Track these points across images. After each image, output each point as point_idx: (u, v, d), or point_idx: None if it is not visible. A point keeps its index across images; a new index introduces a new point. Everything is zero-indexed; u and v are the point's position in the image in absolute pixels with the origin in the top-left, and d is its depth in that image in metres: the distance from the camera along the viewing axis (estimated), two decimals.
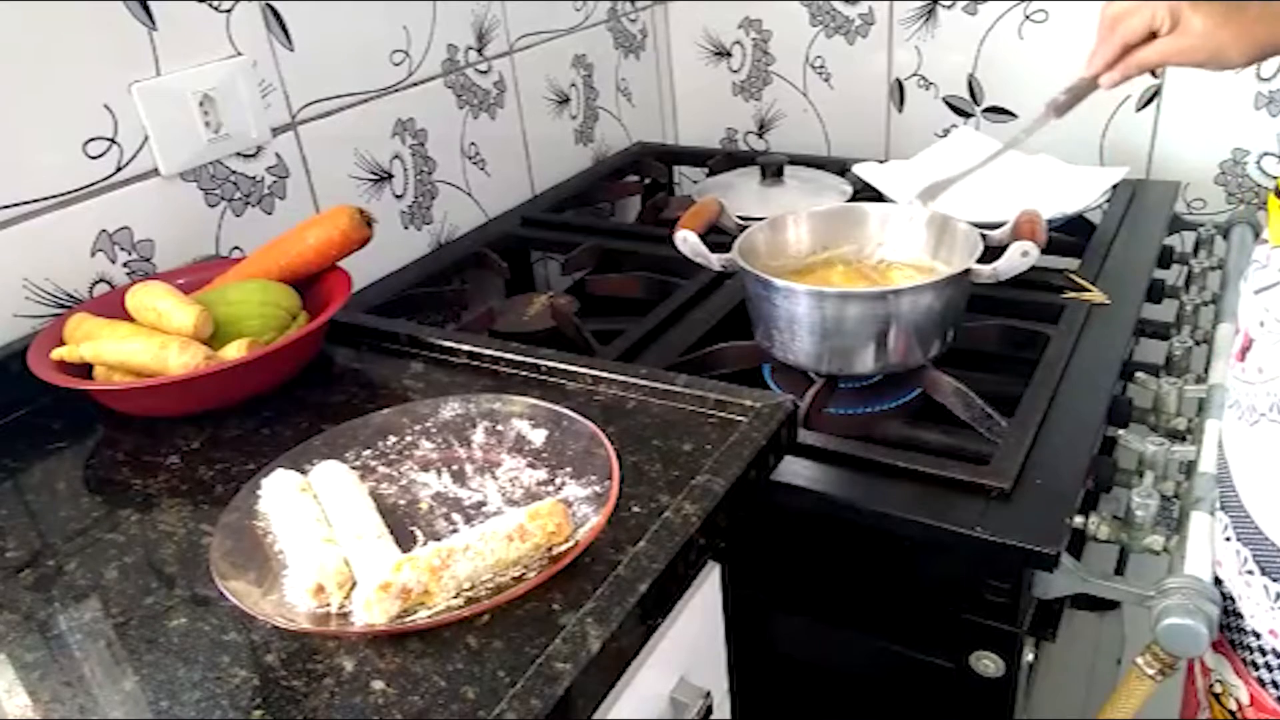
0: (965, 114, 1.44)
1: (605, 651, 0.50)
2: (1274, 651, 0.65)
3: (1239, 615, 0.67)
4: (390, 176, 1.16)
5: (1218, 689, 0.71)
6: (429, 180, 1.22)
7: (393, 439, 0.70)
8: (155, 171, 0.91)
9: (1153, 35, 0.78)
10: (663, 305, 1.03)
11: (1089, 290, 1.00)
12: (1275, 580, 0.63)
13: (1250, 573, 0.65)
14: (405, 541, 0.59)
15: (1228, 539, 0.68)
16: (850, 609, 0.84)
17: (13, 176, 0.80)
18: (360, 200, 1.12)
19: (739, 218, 0.98)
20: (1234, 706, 0.70)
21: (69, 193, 0.84)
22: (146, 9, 0.88)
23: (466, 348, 0.81)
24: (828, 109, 1.54)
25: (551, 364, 0.76)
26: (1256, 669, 0.67)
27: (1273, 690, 0.66)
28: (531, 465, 0.66)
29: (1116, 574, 0.87)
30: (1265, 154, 1.27)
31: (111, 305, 0.80)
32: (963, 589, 0.75)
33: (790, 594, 0.87)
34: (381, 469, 0.67)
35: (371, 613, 0.52)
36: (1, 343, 0.81)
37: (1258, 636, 0.66)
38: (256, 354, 0.74)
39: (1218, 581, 0.68)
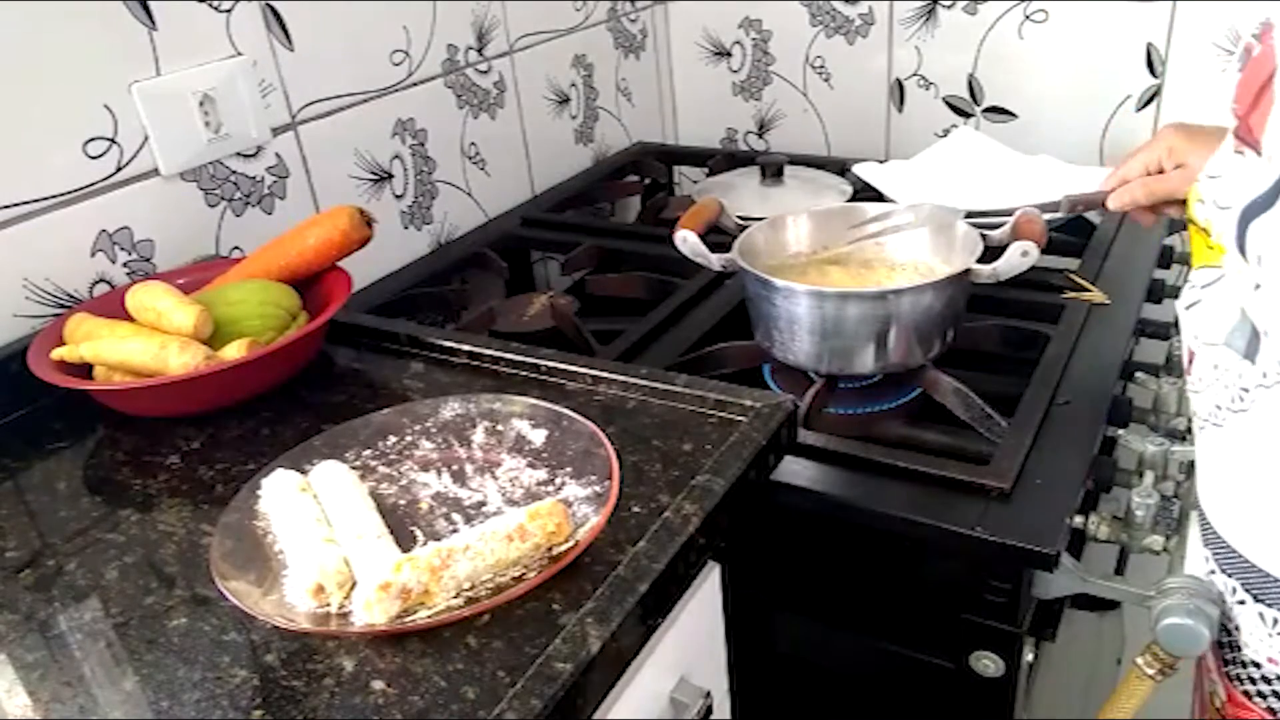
0: (965, 114, 1.44)
1: (605, 651, 0.50)
2: (1233, 645, 0.66)
3: None
4: (390, 176, 1.16)
5: (1210, 688, 0.72)
6: (429, 180, 1.22)
7: (393, 439, 0.70)
8: (155, 171, 0.91)
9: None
10: (663, 305, 1.03)
11: (1089, 290, 1.00)
12: (1230, 577, 0.65)
13: (1213, 573, 0.66)
14: (405, 541, 0.59)
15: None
16: (850, 609, 0.84)
17: (13, 176, 0.80)
18: (360, 200, 1.12)
19: (739, 218, 0.98)
20: (1218, 704, 0.70)
21: (69, 193, 0.84)
22: (146, 9, 0.88)
23: (466, 348, 0.81)
24: (828, 109, 1.54)
25: (551, 364, 0.76)
26: (1227, 664, 0.68)
27: (1239, 685, 0.67)
28: (531, 465, 0.66)
29: (1116, 574, 0.87)
30: None
31: (111, 305, 0.80)
32: (962, 589, 0.75)
33: (790, 594, 0.87)
34: (381, 469, 0.67)
35: (371, 613, 0.52)
36: (1, 343, 0.81)
37: (1229, 634, 0.67)
38: (256, 354, 0.74)
39: None
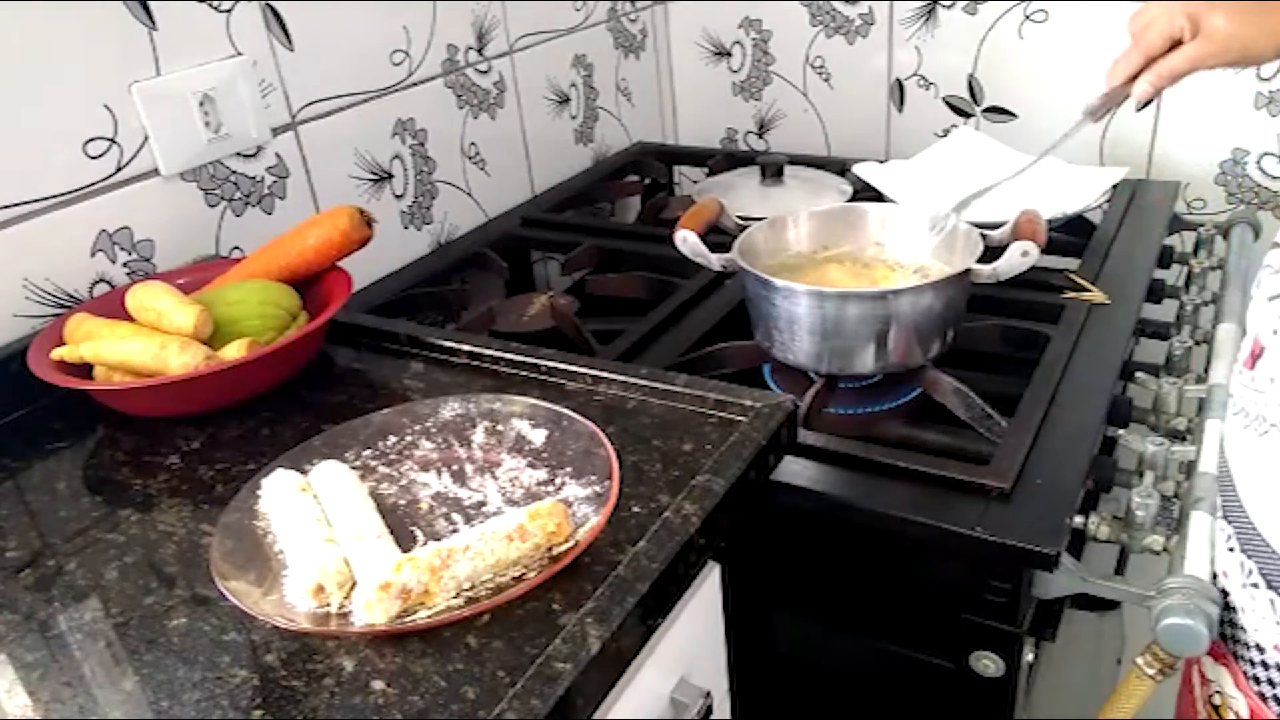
0: (965, 114, 1.44)
1: (605, 651, 0.50)
2: (1277, 666, 0.64)
3: (1242, 628, 0.66)
4: (390, 176, 1.16)
5: (1217, 700, 0.71)
6: (429, 180, 1.22)
7: (393, 439, 0.70)
8: (155, 171, 0.91)
9: (1177, 43, 0.76)
10: (663, 305, 1.03)
11: (1089, 290, 1.00)
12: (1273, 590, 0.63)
13: (1255, 585, 0.64)
14: (405, 541, 0.59)
15: (1231, 549, 0.67)
16: (850, 609, 0.84)
17: (13, 176, 0.80)
18: (360, 200, 1.12)
19: (739, 218, 0.98)
20: (1232, 718, 0.69)
21: (69, 193, 0.84)
22: (146, 9, 0.88)
23: (466, 348, 0.81)
24: (828, 109, 1.54)
25: (551, 364, 0.76)
26: (1259, 683, 0.66)
27: (1274, 705, 0.66)
28: (531, 465, 0.66)
29: (1116, 574, 0.87)
30: (1265, 154, 1.27)
31: (111, 305, 0.80)
32: (963, 589, 0.75)
33: (790, 594, 0.87)
34: (381, 469, 0.67)
35: (371, 613, 0.52)
36: (1, 343, 0.81)
37: (1261, 651, 0.65)
38: (256, 354, 0.74)
39: (1224, 594, 0.68)
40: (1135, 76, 0.80)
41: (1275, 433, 0.62)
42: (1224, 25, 0.72)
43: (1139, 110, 0.81)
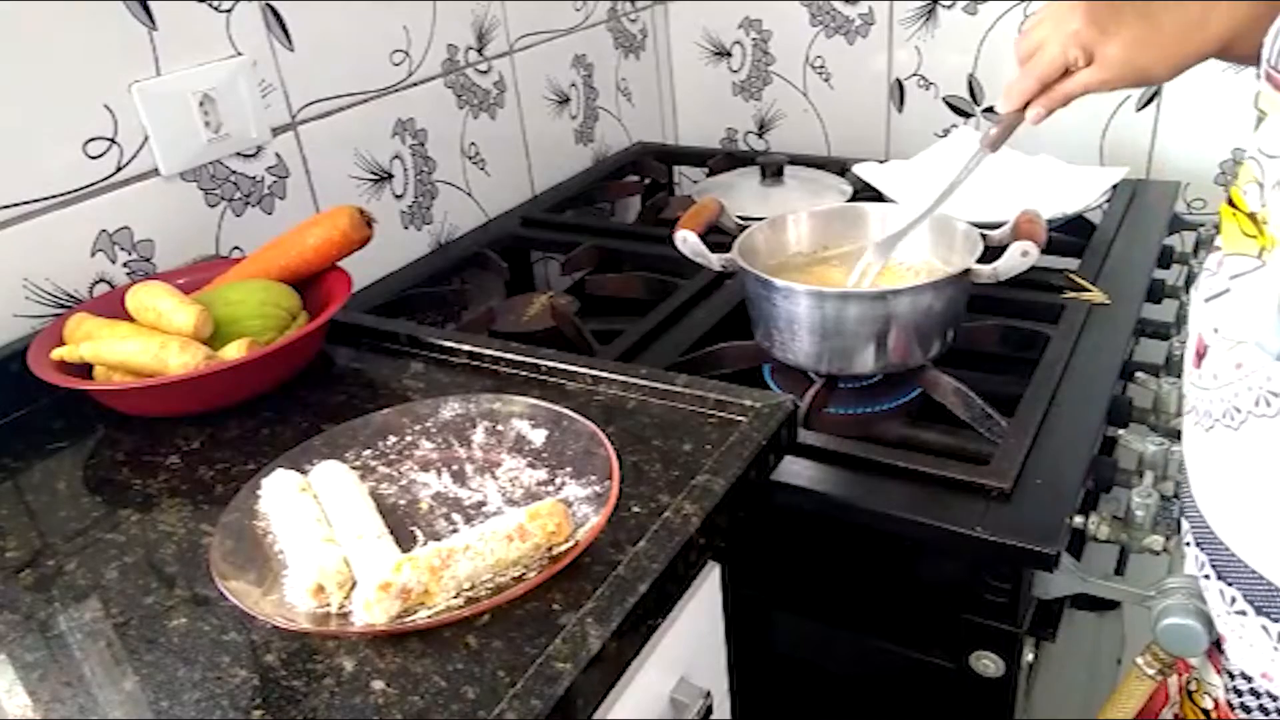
0: (965, 114, 1.44)
1: (605, 651, 0.50)
2: (1269, 694, 0.64)
3: (1225, 656, 0.66)
4: (390, 176, 1.16)
5: (1193, 686, 0.71)
6: (429, 180, 1.22)
7: (393, 439, 0.70)
8: (155, 171, 0.91)
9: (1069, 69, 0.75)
10: (663, 305, 1.03)
11: (1089, 290, 1.00)
12: (1230, 585, 0.63)
13: (1206, 577, 0.65)
14: (405, 541, 0.59)
15: (1187, 544, 0.67)
16: (850, 609, 0.84)
17: (13, 176, 0.80)
18: (360, 200, 1.12)
19: (739, 218, 0.98)
20: (1209, 705, 0.69)
21: (69, 193, 0.84)
22: (146, 9, 0.88)
23: (466, 348, 0.81)
24: (828, 109, 1.54)
25: (551, 364, 0.77)
26: (1239, 709, 0.66)
27: (1234, 696, 0.66)
28: (531, 465, 0.66)
29: (1116, 574, 0.87)
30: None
31: (111, 305, 0.80)
32: (962, 589, 0.75)
33: (790, 594, 0.87)
34: (381, 469, 0.67)
35: (372, 613, 0.52)
36: (1, 343, 0.81)
37: (1248, 679, 0.65)
38: (256, 354, 0.74)
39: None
40: (1028, 102, 0.78)
41: (1219, 428, 0.62)
42: (1120, 54, 0.71)
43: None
